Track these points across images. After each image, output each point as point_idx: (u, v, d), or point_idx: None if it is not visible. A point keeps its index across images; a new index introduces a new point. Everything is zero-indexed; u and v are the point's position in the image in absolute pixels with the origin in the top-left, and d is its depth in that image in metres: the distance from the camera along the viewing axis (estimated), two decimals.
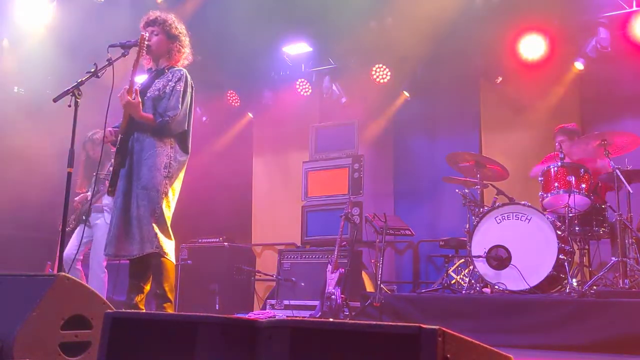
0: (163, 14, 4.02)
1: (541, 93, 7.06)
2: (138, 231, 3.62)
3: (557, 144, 5.52)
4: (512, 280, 4.93)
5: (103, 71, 3.59)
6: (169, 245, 3.67)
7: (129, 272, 3.81)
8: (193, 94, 3.88)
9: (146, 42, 3.77)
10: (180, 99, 3.74)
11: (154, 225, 3.61)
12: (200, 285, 6.99)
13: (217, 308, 6.87)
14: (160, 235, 3.62)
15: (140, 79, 4.04)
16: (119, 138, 3.74)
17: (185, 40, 3.97)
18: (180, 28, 3.95)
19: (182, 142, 3.84)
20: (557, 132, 5.81)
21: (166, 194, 3.69)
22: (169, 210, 3.72)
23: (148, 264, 3.69)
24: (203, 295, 6.95)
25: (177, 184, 3.81)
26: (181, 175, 3.84)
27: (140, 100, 3.66)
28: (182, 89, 3.76)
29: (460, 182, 5.88)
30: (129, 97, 3.60)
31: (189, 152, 3.88)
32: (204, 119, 9.09)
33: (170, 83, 3.78)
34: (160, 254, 3.61)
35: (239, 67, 8.26)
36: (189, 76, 3.86)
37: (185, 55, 3.99)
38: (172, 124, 3.70)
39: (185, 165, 3.87)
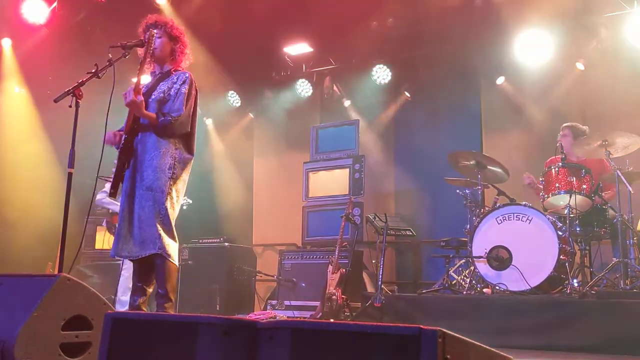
0: (162, 16, 4.02)
1: (542, 93, 7.06)
2: (141, 232, 3.62)
3: (558, 143, 5.51)
4: (513, 280, 4.93)
5: (104, 72, 3.59)
6: (172, 248, 3.65)
7: (132, 273, 3.82)
8: (197, 97, 3.89)
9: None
10: (185, 101, 3.73)
11: (158, 226, 3.60)
12: (201, 285, 6.99)
13: (217, 308, 6.87)
14: (164, 237, 3.61)
15: (144, 81, 4.04)
16: (122, 138, 3.74)
17: (187, 41, 3.97)
18: (180, 29, 3.95)
19: (186, 143, 3.83)
20: (564, 127, 5.78)
21: (170, 195, 3.68)
22: (173, 211, 3.71)
23: (151, 266, 3.68)
24: (204, 295, 6.95)
25: (182, 186, 3.80)
26: (185, 176, 3.83)
27: (143, 99, 3.66)
28: (186, 92, 3.75)
29: (461, 182, 5.88)
30: (133, 97, 3.60)
31: (193, 153, 3.87)
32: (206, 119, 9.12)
33: (175, 85, 3.78)
34: (163, 255, 3.59)
35: (240, 67, 8.26)
36: (194, 79, 3.86)
37: (188, 56, 3.99)
38: (175, 125, 3.69)
39: (190, 167, 3.87)
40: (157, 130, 3.70)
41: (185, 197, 6.14)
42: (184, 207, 6.21)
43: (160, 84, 3.84)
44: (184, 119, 3.73)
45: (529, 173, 5.78)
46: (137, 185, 3.68)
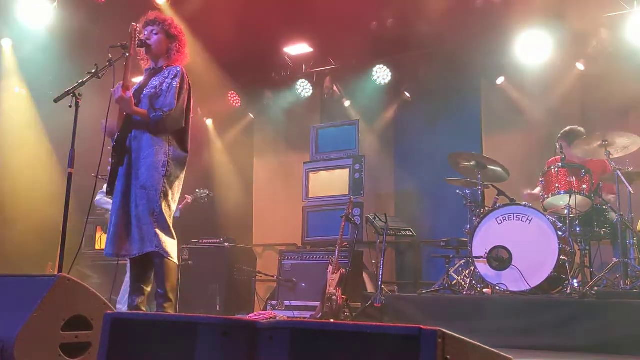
0: (162, 14, 4.01)
1: (542, 93, 7.06)
2: (138, 230, 3.59)
3: (557, 144, 5.51)
4: (513, 281, 4.93)
5: (104, 72, 3.58)
6: (170, 245, 3.62)
7: (130, 273, 3.80)
8: (191, 92, 3.83)
9: (146, 42, 3.76)
10: (176, 96, 3.67)
11: (153, 224, 3.57)
12: (201, 285, 6.98)
13: (217, 309, 6.87)
14: (161, 235, 3.58)
15: (139, 80, 4.03)
16: (115, 136, 3.72)
17: (185, 40, 3.95)
18: (179, 28, 3.93)
19: (180, 140, 3.78)
20: (558, 139, 5.81)
21: (165, 194, 3.63)
22: (169, 209, 3.67)
23: (149, 265, 3.66)
24: (204, 295, 6.95)
25: (177, 184, 3.75)
26: (181, 174, 3.78)
27: (132, 96, 3.63)
28: (178, 86, 3.69)
29: (461, 183, 5.88)
30: (121, 93, 3.57)
31: (188, 151, 3.81)
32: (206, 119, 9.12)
33: (166, 80, 3.72)
34: (161, 253, 3.57)
35: (240, 67, 8.26)
36: (186, 74, 3.81)
37: (185, 55, 3.96)
38: (167, 120, 3.64)
39: (186, 165, 3.84)
40: (150, 127, 3.66)
41: (206, 190, 6.31)
42: (205, 200, 6.39)
43: (153, 79, 3.79)
44: (176, 114, 3.68)
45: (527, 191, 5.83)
46: (132, 183, 3.64)
